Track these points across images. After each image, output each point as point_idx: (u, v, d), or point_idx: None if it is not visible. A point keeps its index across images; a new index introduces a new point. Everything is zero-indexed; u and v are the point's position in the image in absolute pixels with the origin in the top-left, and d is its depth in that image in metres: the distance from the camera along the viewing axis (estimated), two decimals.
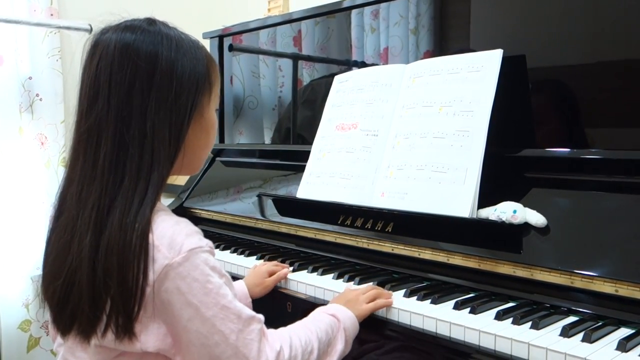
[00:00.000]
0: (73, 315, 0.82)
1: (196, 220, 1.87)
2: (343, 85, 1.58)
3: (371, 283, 1.18)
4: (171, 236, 0.81)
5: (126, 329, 0.79)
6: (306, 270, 1.33)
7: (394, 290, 1.15)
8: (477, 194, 1.17)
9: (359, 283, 1.21)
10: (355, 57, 1.70)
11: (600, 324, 0.95)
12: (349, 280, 1.24)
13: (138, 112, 0.83)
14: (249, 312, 0.85)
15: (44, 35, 2.25)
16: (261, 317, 0.87)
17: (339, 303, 1.05)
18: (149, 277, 0.79)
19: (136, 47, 0.84)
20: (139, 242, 0.79)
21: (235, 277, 1.23)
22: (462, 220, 1.17)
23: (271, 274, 1.29)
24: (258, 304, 1.22)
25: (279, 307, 1.27)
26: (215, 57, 2.09)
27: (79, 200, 0.83)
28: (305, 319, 0.98)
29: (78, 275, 0.80)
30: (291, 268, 1.34)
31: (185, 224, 0.85)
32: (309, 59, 1.85)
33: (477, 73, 1.25)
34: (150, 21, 0.89)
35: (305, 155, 1.58)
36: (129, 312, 0.79)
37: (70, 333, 0.84)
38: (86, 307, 0.80)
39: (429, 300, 1.09)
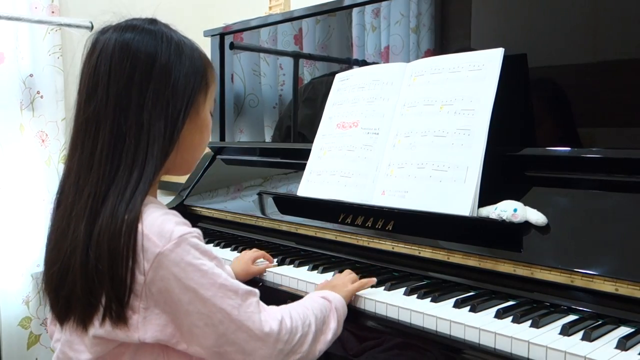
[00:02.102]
0: (68, 300, 0.84)
1: (196, 218, 1.87)
2: (344, 83, 1.59)
3: None
4: (160, 225, 0.83)
5: (119, 316, 0.81)
6: (306, 268, 1.33)
7: (394, 289, 1.15)
8: (477, 193, 1.17)
9: None
10: (356, 55, 1.70)
11: (600, 322, 0.96)
12: None
13: (136, 103, 0.85)
14: (244, 287, 0.88)
15: (44, 32, 2.26)
16: (257, 291, 0.90)
17: (325, 288, 1.09)
18: (142, 267, 0.80)
19: (136, 45, 0.87)
20: (127, 230, 0.80)
21: None
22: (462, 218, 1.17)
23: (254, 260, 1.35)
24: None
25: (279, 305, 1.27)
26: (216, 55, 2.09)
27: (76, 189, 0.85)
28: (300, 300, 1.02)
29: (72, 260, 0.82)
30: (275, 261, 1.37)
31: (173, 214, 0.87)
32: (309, 57, 1.85)
33: (478, 72, 1.25)
34: (151, 21, 0.91)
35: (306, 154, 1.58)
36: (120, 299, 0.80)
37: (68, 322, 0.85)
38: (79, 292, 0.82)
39: (429, 299, 1.09)
